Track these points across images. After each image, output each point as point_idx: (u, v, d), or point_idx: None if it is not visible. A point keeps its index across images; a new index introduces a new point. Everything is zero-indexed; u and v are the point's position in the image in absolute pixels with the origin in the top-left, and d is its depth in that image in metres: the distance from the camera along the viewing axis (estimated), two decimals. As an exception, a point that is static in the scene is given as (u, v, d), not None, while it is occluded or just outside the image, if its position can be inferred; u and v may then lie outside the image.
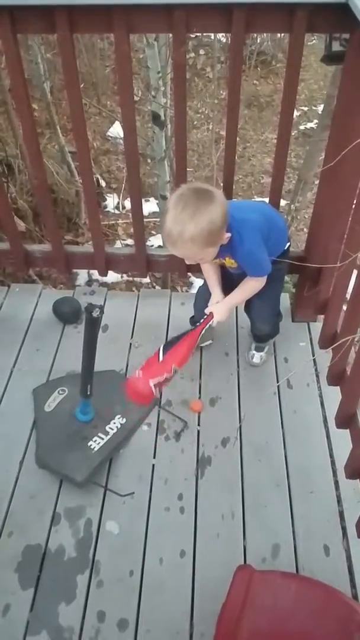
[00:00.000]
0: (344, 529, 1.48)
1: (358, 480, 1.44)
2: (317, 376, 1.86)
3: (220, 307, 1.63)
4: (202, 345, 1.94)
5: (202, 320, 1.59)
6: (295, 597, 1.16)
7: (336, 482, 1.57)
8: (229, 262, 1.58)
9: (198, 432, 1.70)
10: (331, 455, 1.64)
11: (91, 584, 1.38)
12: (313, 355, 1.92)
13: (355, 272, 1.57)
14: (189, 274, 2.90)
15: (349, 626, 1.10)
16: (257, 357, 1.88)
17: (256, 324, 1.83)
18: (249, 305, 1.78)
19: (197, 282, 3.70)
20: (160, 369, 1.39)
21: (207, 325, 1.59)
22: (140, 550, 1.44)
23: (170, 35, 1.51)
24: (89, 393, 1.56)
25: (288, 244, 1.67)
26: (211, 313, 1.62)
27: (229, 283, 1.67)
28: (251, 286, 1.60)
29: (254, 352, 1.88)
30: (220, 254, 1.50)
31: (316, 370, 1.87)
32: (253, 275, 1.57)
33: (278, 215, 1.67)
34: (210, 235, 1.36)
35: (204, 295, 1.77)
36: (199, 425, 1.72)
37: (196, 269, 1.79)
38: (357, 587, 1.37)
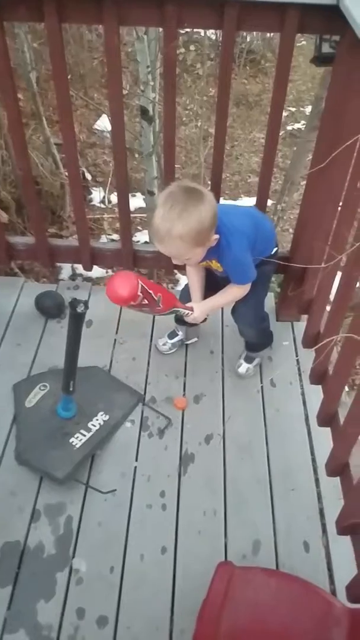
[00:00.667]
0: (323, 526, 1.49)
1: (338, 478, 1.45)
2: (300, 375, 1.87)
3: (201, 305, 1.63)
4: (187, 342, 1.94)
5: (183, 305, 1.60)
6: (275, 593, 1.17)
7: (317, 480, 1.59)
8: (215, 266, 1.57)
9: (182, 429, 1.70)
10: (312, 453, 1.66)
11: (71, 580, 1.37)
12: (296, 354, 1.93)
13: (339, 273, 1.58)
14: (175, 271, 2.89)
15: (327, 621, 1.12)
16: (243, 367, 1.84)
17: (240, 327, 1.81)
18: (234, 309, 1.76)
19: (183, 279, 3.69)
20: (150, 285, 1.35)
21: (181, 311, 1.57)
22: (121, 547, 1.43)
23: (161, 29, 1.50)
24: (71, 389, 1.54)
25: (275, 248, 1.66)
26: (192, 307, 1.62)
27: (214, 285, 1.66)
28: (234, 292, 1.59)
29: (242, 361, 1.85)
30: (207, 257, 1.49)
31: (299, 369, 1.89)
32: (237, 282, 1.56)
33: (266, 220, 1.66)
34: (198, 235, 1.35)
35: (189, 294, 1.78)
36: (182, 422, 1.72)
37: (183, 266, 1.79)
38: (335, 583, 1.38)
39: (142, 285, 1.29)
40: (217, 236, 1.42)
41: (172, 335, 1.92)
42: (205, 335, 1.98)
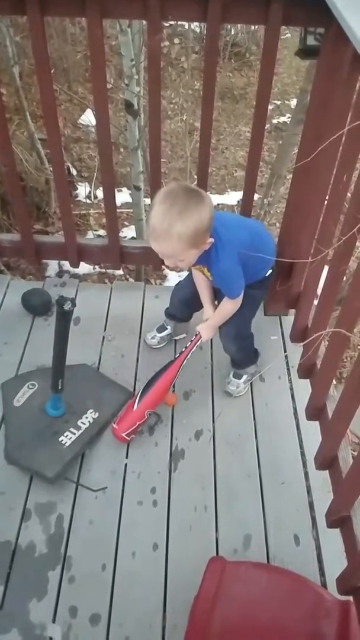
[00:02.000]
0: (313, 519, 1.50)
1: (327, 471, 1.46)
2: (288, 369, 1.88)
3: (206, 327, 1.65)
4: (175, 338, 1.93)
5: (189, 344, 1.68)
6: (267, 587, 1.18)
7: (306, 473, 1.60)
8: (207, 274, 1.56)
9: (172, 425, 1.70)
10: (301, 447, 1.67)
11: (63, 579, 1.37)
12: (284, 348, 1.94)
13: (326, 267, 1.59)
14: (163, 267, 2.88)
15: (317, 613, 1.13)
16: (233, 384, 1.79)
17: (222, 341, 1.75)
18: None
19: (171, 275, 3.68)
20: (132, 419, 1.59)
21: (195, 347, 1.69)
22: (112, 544, 1.43)
23: (145, 22, 1.48)
24: (60, 387, 1.53)
25: (270, 271, 1.63)
26: (199, 334, 1.66)
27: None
28: (226, 309, 1.59)
29: (232, 378, 1.80)
30: (198, 262, 1.47)
31: (287, 363, 1.89)
32: (226, 295, 1.55)
33: (269, 240, 1.63)
34: (195, 235, 1.33)
35: (181, 292, 1.77)
36: (172, 418, 1.72)
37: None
38: (325, 575, 1.40)
39: (127, 434, 1.60)
40: (211, 240, 1.40)
41: (161, 329, 1.91)
42: (194, 331, 1.97)
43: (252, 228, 1.59)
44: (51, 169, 3.32)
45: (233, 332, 1.69)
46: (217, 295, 1.67)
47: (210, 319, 1.66)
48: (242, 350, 1.76)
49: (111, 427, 1.62)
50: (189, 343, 1.69)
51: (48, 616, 1.30)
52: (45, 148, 3.96)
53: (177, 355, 1.69)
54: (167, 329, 1.91)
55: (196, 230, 1.33)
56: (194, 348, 1.69)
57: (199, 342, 1.69)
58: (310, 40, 1.47)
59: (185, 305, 1.80)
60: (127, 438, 1.60)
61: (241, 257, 1.47)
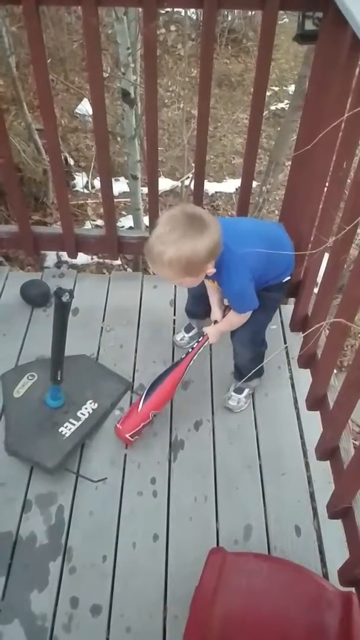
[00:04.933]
0: (314, 509, 1.50)
1: (328, 461, 1.46)
2: (288, 359, 1.87)
3: (214, 331, 1.63)
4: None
5: (195, 345, 1.64)
6: (268, 578, 1.18)
7: (307, 464, 1.60)
8: (217, 287, 1.55)
9: (171, 416, 1.70)
10: (302, 437, 1.66)
11: (64, 570, 1.37)
12: (284, 338, 1.93)
13: (326, 255, 1.57)
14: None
15: (319, 604, 1.13)
16: (234, 399, 1.72)
17: (236, 347, 1.69)
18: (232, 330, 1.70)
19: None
20: (137, 421, 1.56)
21: (202, 348, 1.64)
22: (113, 535, 1.43)
23: (140, 9, 1.46)
24: (59, 378, 1.53)
25: (288, 278, 1.58)
26: (206, 335, 1.62)
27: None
28: (233, 320, 1.56)
29: (232, 393, 1.73)
30: (210, 277, 1.44)
31: (287, 353, 1.88)
32: (235, 309, 1.52)
33: (287, 244, 1.57)
34: (188, 265, 1.30)
35: (193, 288, 1.74)
36: (172, 409, 1.71)
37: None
38: (327, 566, 1.39)
39: (131, 435, 1.56)
40: (212, 270, 1.36)
41: (188, 328, 1.88)
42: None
43: (270, 235, 1.54)
44: (48, 159, 3.30)
45: (248, 337, 1.63)
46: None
47: (218, 324, 1.62)
48: (254, 358, 1.68)
49: (115, 428, 1.59)
50: (196, 344, 1.64)
51: (49, 607, 1.31)
52: (43, 138, 3.93)
53: (184, 355, 1.63)
54: (194, 328, 1.88)
55: (189, 261, 1.28)
56: (201, 349, 1.64)
57: (206, 343, 1.64)
58: (309, 25, 1.45)
59: (199, 300, 1.76)
60: (130, 439, 1.57)
61: (254, 273, 1.43)
